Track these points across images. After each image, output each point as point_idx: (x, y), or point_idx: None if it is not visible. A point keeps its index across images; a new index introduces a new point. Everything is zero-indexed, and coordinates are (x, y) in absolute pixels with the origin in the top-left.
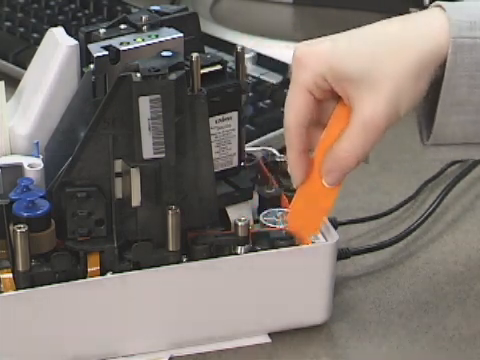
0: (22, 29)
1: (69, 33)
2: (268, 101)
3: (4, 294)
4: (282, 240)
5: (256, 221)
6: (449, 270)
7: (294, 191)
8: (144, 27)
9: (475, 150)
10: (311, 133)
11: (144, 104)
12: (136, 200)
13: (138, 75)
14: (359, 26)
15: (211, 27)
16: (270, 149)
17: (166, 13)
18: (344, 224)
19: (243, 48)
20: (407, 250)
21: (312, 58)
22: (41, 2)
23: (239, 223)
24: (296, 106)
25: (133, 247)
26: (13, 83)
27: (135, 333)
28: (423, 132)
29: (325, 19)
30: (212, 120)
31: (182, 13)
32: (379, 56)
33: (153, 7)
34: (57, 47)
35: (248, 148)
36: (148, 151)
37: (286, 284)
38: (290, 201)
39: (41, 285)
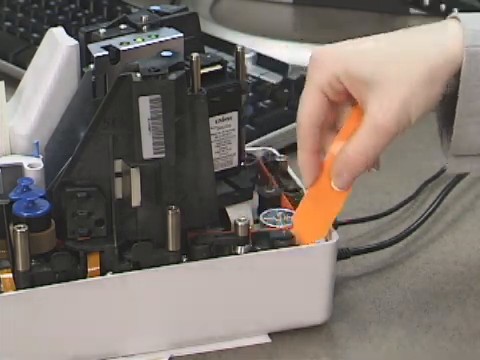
0: (22, 29)
1: (69, 33)
2: (268, 101)
3: (4, 294)
4: (282, 240)
5: (256, 221)
6: (449, 270)
7: (294, 191)
8: (144, 27)
9: None
10: (324, 136)
11: (144, 104)
12: (136, 200)
13: (138, 75)
14: (359, 26)
15: (211, 27)
16: (270, 149)
17: (166, 13)
18: (344, 224)
19: (243, 48)
20: (407, 250)
21: (328, 58)
22: (41, 2)
23: (239, 223)
24: (309, 106)
25: (133, 247)
26: (13, 83)
27: (135, 333)
28: (444, 143)
29: (325, 19)
30: (212, 120)
31: (182, 13)
32: (393, 61)
33: (153, 7)
34: (57, 47)
35: (248, 148)
36: (148, 151)
37: (286, 284)
38: (290, 201)
39: (41, 285)
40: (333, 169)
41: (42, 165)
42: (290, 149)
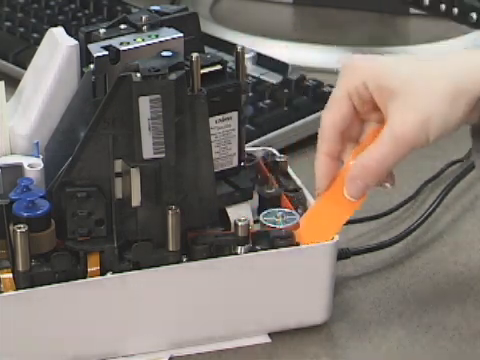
0: (22, 29)
1: (69, 33)
2: (268, 101)
3: (4, 294)
4: (282, 240)
5: (256, 221)
6: (449, 270)
7: (294, 191)
8: (144, 27)
9: None
10: (345, 147)
11: (144, 104)
12: (136, 200)
13: (138, 75)
14: (359, 26)
15: (211, 27)
16: (270, 149)
17: (166, 13)
18: (344, 224)
19: (243, 48)
20: (407, 250)
21: (359, 65)
22: (41, 2)
23: (239, 223)
24: (334, 110)
25: (133, 247)
26: (13, 83)
27: (135, 333)
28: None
29: (325, 19)
30: (212, 120)
31: (182, 13)
32: (421, 76)
33: (153, 7)
34: (57, 47)
35: (248, 148)
36: (148, 151)
37: (286, 284)
38: (290, 201)
39: (41, 285)
40: (348, 175)
41: (42, 165)
42: (290, 149)
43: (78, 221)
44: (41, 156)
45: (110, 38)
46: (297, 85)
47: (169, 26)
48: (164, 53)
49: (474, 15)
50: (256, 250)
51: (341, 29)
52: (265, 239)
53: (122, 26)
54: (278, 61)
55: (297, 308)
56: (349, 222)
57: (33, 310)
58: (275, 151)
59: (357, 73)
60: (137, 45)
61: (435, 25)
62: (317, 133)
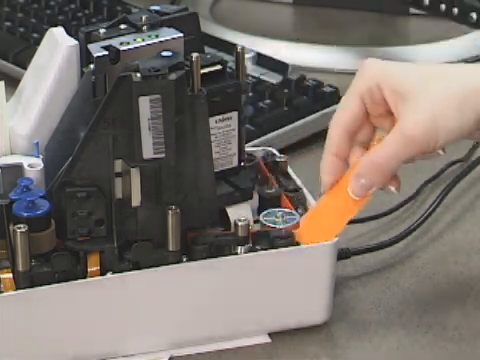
0: (22, 29)
1: (69, 33)
2: (268, 101)
3: (4, 294)
4: (282, 240)
5: (256, 221)
6: (449, 270)
7: (294, 191)
8: (144, 27)
9: None
10: (353, 150)
11: (144, 104)
12: (136, 200)
13: (138, 75)
14: (359, 26)
15: (211, 27)
16: (270, 149)
17: (166, 13)
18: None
19: (243, 48)
20: (407, 250)
21: (374, 67)
22: (41, 2)
23: (239, 223)
24: (345, 109)
25: (133, 247)
26: (13, 83)
27: (135, 333)
28: None
29: (325, 19)
30: (212, 120)
31: (182, 13)
32: (434, 79)
33: (153, 7)
34: (57, 47)
35: (248, 148)
36: (148, 151)
37: (286, 284)
38: (290, 201)
39: (41, 285)
40: (354, 173)
41: (42, 165)
42: (290, 149)
43: (78, 221)
44: (41, 156)
45: (110, 38)
46: (297, 85)
47: (169, 26)
48: (164, 53)
49: (474, 15)
50: (256, 250)
51: (341, 29)
52: (265, 239)
53: (122, 26)
54: (278, 61)
55: (297, 308)
56: (349, 222)
57: (33, 310)
58: (275, 151)
59: (371, 75)
60: (137, 45)
61: (435, 25)
62: (317, 132)
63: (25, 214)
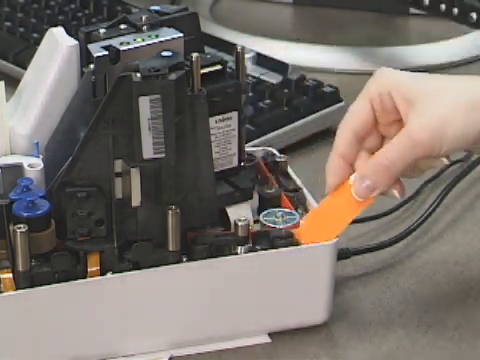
0: (22, 29)
1: (69, 33)
2: (268, 101)
3: (4, 294)
4: (282, 240)
5: (256, 221)
6: (449, 270)
7: (294, 191)
8: (144, 27)
9: None
10: (360, 156)
11: (144, 104)
12: (136, 200)
13: (138, 75)
14: (359, 26)
15: (211, 27)
16: (270, 149)
17: (166, 13)
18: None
19: (243, 48)
20: (407, 250)
21: (386, 74)
22: (41, 2)
23: (239, 223)
24: (354, 112)
25: (133, 247)
26: (13, 83)
27: (135, 333)
28: None
29: (325, 19)
30: (212, 120)
31: (182, 13)
32: (443, 88)
33: (153, 7)
34: (57, 47)
35: (248, 148)
36: (148, 151)
37: (286, 284)
38: (290, 201)
39: (41, 285)
40: (359, 173)
41: (42, 165)
42: (290, 149)
43: (78, 221)
44: (41, 156)
45: (110, 38)
46: (297, 85)
47: (169, 26)
48: (164, 53)
49: (474, 15)
50: (256, 250)
51: (341, 29)
52: (265, 239)
53: (122, 26)
54: (278, 61)
55: (297, 308)
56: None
57: (33, 310)
58: (275, 151)
59: (383, 82)
60: (137, 45)
61: (435, 25)
62: (317, 132)
63: (25, 214)
